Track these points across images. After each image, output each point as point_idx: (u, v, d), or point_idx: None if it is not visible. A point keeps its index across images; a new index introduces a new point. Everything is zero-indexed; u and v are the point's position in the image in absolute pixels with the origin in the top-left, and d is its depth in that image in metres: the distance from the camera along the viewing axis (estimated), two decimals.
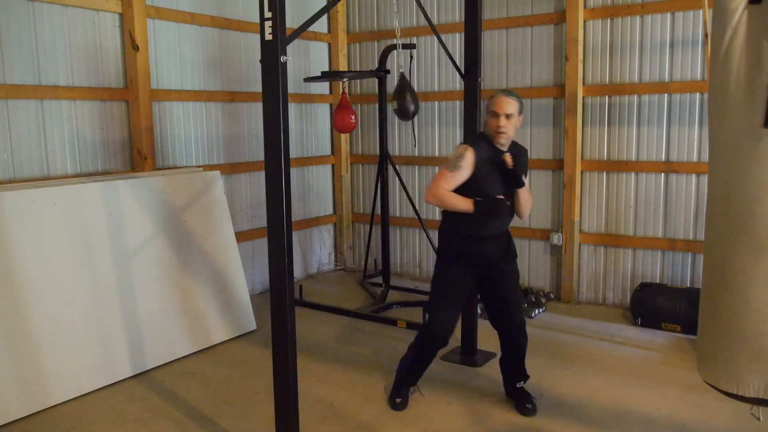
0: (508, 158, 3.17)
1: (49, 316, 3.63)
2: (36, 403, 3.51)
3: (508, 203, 3.22)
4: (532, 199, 3.40)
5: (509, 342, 3.50)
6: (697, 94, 4.80)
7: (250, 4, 5.54)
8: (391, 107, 4.94)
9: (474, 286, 3.46)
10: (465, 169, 3.18)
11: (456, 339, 4.48)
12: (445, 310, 3.36)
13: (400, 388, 3.57)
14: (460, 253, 3.32)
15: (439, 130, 6.05)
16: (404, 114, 4.80)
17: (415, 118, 6.03)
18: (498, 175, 3.23)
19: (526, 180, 3.32)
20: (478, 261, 3.32)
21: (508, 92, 3.21)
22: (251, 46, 5.59)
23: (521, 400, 3.50)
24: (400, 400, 3.52)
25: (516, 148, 3.35)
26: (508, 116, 3.16)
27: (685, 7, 4.74)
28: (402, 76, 4.79)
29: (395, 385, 3.59)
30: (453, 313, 3.38)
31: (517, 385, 3.54)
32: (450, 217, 3.33)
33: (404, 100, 4.74)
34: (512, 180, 3.21)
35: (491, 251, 3.33)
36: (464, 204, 3.16)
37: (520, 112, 3.23)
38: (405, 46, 5.27)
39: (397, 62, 5.07)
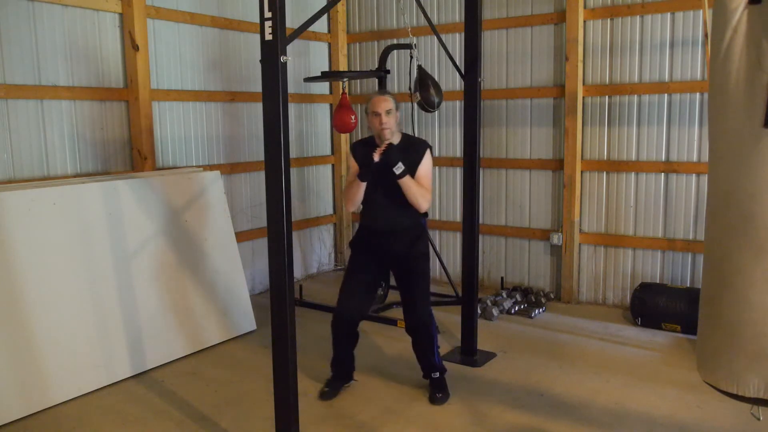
0: (377, 153, 3.36)
1: (49, 316, 3.63)
2: (36, 403, 3.51)
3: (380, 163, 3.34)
4: (424, 191, 3.46)
5: (411, 336, 3.68)
6: (697, 94, 4.80)
7: (250, 4, 5.54)
8: (413, 100, 4.80)
9: (380, 275, 3.76)
10: (352, 165, 3.53)
11: (456, 339, 4.49)
12: (343, 294, 3.63)
13: (330, 379, 3.77)
14: (362, 245, 3.65)
15: (439, 130, 6.05)
16: (430, 105, 4.68)
17: (414, 118, 6.05)
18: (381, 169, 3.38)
19: (397, 170, 3.36)
20: (379, 253, 3.59)
21: (382, 92, 3.50)
22: (251, 46, 5.59)
23: (433, 389, 3.67)
24: (327, 389, 3.70)
25: (409, 143, 3.55)
26: (387, 112, 3.42)
27: (685, 7, 4.74)
28: (420, 68, 4.68)
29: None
30: (351, 297, 3.61)
31: (433, 376, 3.69)
32: (360, 215, 3.70)
33: (427, 92, 4.65)
34: (386, 170, 3.36)
35: (392, 246, 3.56)
36: (355, 183, 3.46)
37: (397, 108, 3.50)
38: (404, 46, 5.27)
39: (408, 57, 4.97)
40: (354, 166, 3.53)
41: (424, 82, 4.54)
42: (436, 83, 4.56)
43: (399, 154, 3.36)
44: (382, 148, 3.36)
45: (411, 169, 3.41)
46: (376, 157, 3.34)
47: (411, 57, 5.56)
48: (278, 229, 2.80)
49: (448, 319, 4.97)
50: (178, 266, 4.38)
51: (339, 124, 5.26)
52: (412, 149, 3.48)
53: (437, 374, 3.67)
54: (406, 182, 3.38)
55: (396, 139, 3.49)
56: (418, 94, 4.56)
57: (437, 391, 3.64)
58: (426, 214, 3.61)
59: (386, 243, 3.56)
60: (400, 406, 3.57)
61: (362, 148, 3.53)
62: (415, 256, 3.58)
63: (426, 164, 3.50)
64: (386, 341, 4.56)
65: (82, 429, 3.36)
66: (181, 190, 4.50)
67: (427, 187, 3.48)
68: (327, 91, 6.50)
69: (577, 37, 5.09)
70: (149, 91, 4.70)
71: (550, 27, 5.34)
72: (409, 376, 3.93)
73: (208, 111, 5.33)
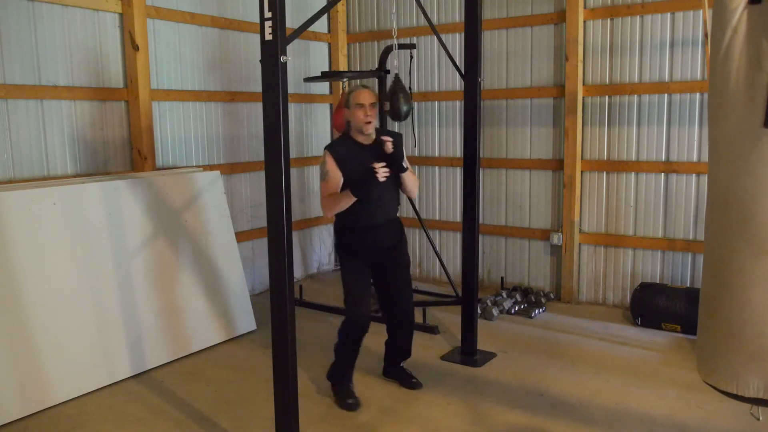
0: (389, 145, 3.30)
1: (49, 316, 3.63)
2: (36, 403, 3.52)
3: (385, 176, 3.25)
4: (415, 178, 3.55)
5: (398, 329, 3.72)
6: (697, 94, 4.80)
7: (250, 4, 5.54)
8: (384, 109, 4.93)
9: (370, 275, 3.62)
10: (333, 172, 3.35)
11: (456, 339, 4.49)
12: (359, 300, 3.49)
13: (343, 390, 3.61)
14: (355, 245, 3.49)
15: (439, 130, 6.05)
16: (396, 115, 4.82)
17: (415, 118, 6.06)
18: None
19: (404, 163, 3.46)
20: (370, 249, 3.49)
21: (365, 85, 3.46)
22: (251, 46, 5.59)
23: (406, 377, 3.80)
24: (352, 400, 3.55)
25: (389, 134, 3.49)
26: (372, 105, 3.37)
27: (685, 7, 4.74)
28: (396, 78, 4.81)
29: (337, 390, 3.63)
30: (365, 302, 3.53)
31: (401, 365, 3.84)
32: (342, 215, 3.43)
33: (397, 101, 4.76)
34: (394, 165, 3.33)
35: (383, 239, 3.51)
36: (346, 198, 3.31)
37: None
38: (404, 46, 5.27)
39: (409, 57, 5.09)
40: (335, 171, 3.34)
41: (396, 92, 4.67)
42: (407, 94, 4.69)
43: (399, 148, 3.37)
44: (389, 142, 3.28)
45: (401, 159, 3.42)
46: (389, 149, 3.28)
47: (411, 57, 5.60)
48: (278, 229, 2.80)
49: (448, 319, 4.97)
50: (178, 266, 4.38)
51: (339, 124, 5.26)
52: (396, 139, 3.41)
53: (403, 363, 3.86)
54: (409, 173, 3.44)
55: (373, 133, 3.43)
56: (387, 103, 4.70)
57: (411, 377, 3.80)
58: None
59: (382, 237, 3.49)
60: (400, 406, 3.57)
61: (348, 153, 3.37)
62: (404, 245, 3.64)
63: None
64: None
65: (82, 429, 3.36)
66: (181, 190, 4.50)
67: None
68: (327, 91, 6.50)
69: (577, 37, 5.09)
70: (149, 91, 4.70)
71: (550, 27, 5.34)
72: None
73: (208, 111, 5.33)
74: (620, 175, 5.18)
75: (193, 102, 5.18)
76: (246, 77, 5.61)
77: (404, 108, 4.75)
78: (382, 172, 3.21)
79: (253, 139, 5.71)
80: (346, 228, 3.49)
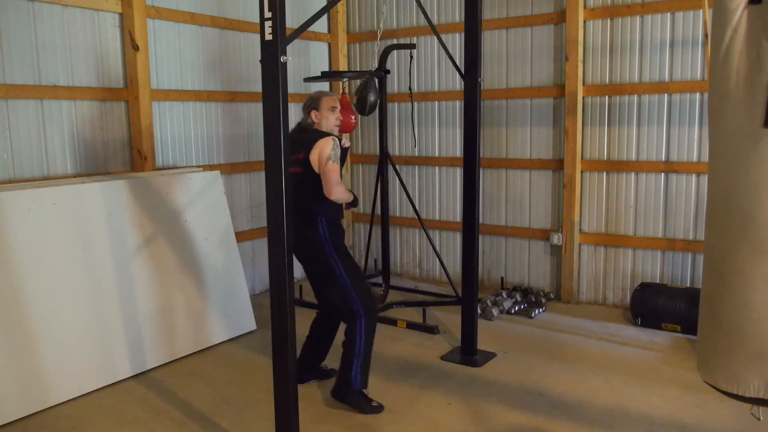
0: (346, 140, 3.59)
1: (49, 316, 3.63)
2: (36, 403, 3.52)
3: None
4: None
5: (334, 325, 3.80)
6: (697, 94, 4.80)
7: (250, 4, 5.54)
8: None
9: None
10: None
11: (456, 339, 4.49)
12: (369, 294, 3.53)
13: (364, 395, 3.51)
14: (341, 239, 3.53)
15: (439, 130, 6.05)
16: (362, 108, 4.95)
17: (414, 118, 6.07)
18: None
19: None
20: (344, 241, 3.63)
21: (327, 91, 3.66)
22: (251, 46, 5.59)
23: (325, 372, 3.90)
24: (377, 403, 3.51)
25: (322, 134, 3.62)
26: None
27: (685, 7, 4.74)
28: (370, 75, 4.92)
29: (362, 394, 3.49)
30: (373, 295, 3.59)
31: (322, 366, 3.93)
32: (331, 209, 3.47)
33: (367, 93, 4.88)
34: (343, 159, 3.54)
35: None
36: (350, 194, 3.49)
37: None
38: (404, 46, 5.28)
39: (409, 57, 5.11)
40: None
41: (366, 86, 4.80)
42: (376, 89, 4.81)
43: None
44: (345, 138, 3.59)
45: None
46: (347, 144, 3.59)
47: (411, 57, 5.60)
48: (278, 229, 2.80)
49: (448, 319, 4.97)
50: (178, 266, 4.38)
51: (341, 125, 5.25)
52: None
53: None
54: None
55: None
56: (355, 97, 4.84)
57: (332, 372, 3.91)
58: None
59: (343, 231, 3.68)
60: (400, 405, 3.57)
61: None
62: None
63: None
64: (386, 341, 4.55)
65: (82, 429, 3.36)
66: (181, 190, 4.50)
67: None
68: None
69: (577, 37, 5.09)
70: (149, 91, 4.70)
71: (550, 27, 5.34)
72: (409, 376, 3.94)
73: (208, 111, 5.33)
74: (620, 175, 5.18)
75: (193, 102, 5.18)
76: (246, 77, 5.61)
77: (372, 98, 4.89)
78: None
79: (253, 139, 5.72)
80: (332, 223, 3.50)
